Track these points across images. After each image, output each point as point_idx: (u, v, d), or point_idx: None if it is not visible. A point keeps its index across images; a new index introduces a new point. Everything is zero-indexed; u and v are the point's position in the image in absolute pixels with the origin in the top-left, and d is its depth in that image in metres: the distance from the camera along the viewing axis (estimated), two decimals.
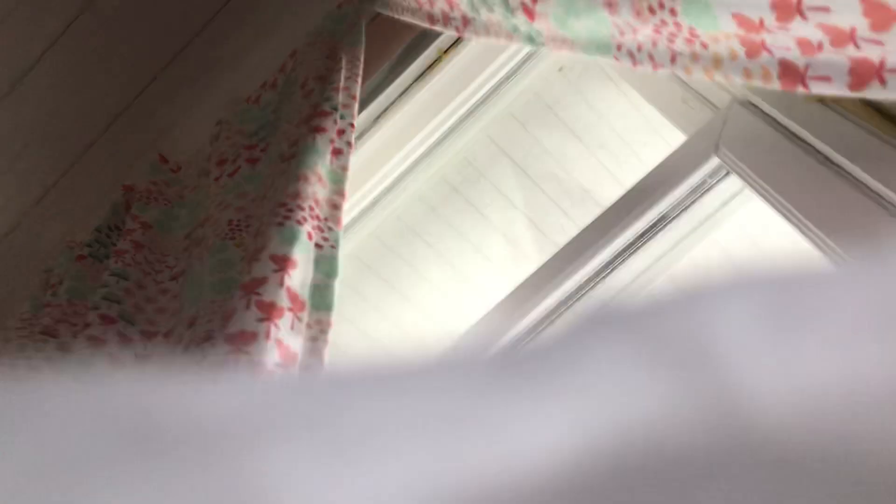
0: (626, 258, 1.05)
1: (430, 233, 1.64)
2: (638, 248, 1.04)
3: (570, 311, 1.08)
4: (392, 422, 0.17)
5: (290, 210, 0.80)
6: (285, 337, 0.70)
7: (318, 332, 0.76)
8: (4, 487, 0.14)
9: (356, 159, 0.98)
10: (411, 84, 1.27)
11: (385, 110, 1.29)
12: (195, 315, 0.85)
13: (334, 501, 0.15)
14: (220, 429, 0.16)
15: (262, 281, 0.72)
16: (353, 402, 0.18)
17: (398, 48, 1.25)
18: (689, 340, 0.18)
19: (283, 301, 0.71)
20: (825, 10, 0.42)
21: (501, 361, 0.19)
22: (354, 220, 1.47)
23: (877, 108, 0.67)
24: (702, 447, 0.16)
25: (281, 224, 0.78)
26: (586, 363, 0.18)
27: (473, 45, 1.25)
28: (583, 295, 1.08)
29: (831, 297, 0.18)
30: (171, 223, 1.14)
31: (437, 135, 1.37)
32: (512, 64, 1.34)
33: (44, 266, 1.29)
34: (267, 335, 0.68)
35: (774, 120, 0.79)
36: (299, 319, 0.73)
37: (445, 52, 1.25)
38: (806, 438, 0.16)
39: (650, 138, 1.57)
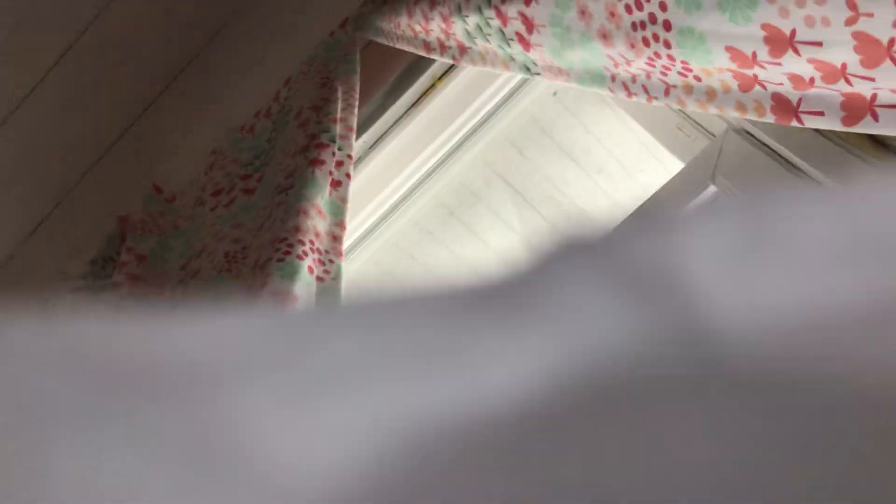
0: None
1: (427, 257, 1.63)
2: None
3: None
4: (362, 357, 0.17)
5: (291, 245, 0.80)
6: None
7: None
8: None
9: (353, 185, 0.98)
10: (406, 111, 1.27)
11: (380, 137, 1.29)
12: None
13: (304, 437, 0.15)
14: (189, 368, 0.16)
15: None
16: (324, 338, 0.18)
17: (392, 75, 1.25)
18: (658, 267, 0.18)
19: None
20: (818, 44, 0.42)
21: (472, 293, 0.19)
22: (352, 247, 1.47)
23: (872, 137, 0.67)
24: (671, 372, 0.16)
25: (281, 259, 0.78)
26: (556, 292, 0.19)
27: (468, 72, 1.26)
28: None
29: (798, 226, 0.19)
30: (166, 254, 1.14)
31: (433, 160, 1.37)
32: (507, 89, 1.34)
33: (38, 299, 1.29)
34: None
35: (770, 148, 0.79)
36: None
37: (440, 78, 1.26)
38: (773, 361, 0.16)
39: (647, 161, 1.57)
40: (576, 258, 0.20)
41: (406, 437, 0.16)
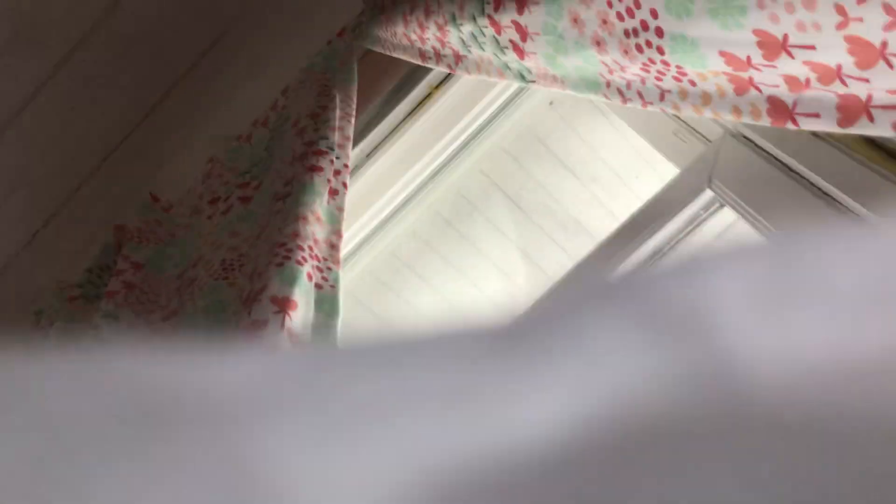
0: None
1: (424, 267, 1.63)
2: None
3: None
4: (392, 397, 0.17)
5: (290, 250, 0.79)
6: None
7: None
8: (3, 467, 0.14)
9: (349, 194, 0.98)
10: (403, 120, 1.28)
11: (377, 146, 1.29)
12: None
13: (334, 477, 0.15)
14: (221, 406, 0.16)
15: (262, 324, 0.71)
16: (355, 377, 0.18)
17: (389, 84, 1.26)
18: (685, 310, 0.18)
19: (285, 344, 0.71)
20: (811, 48, 0.43)
21: (501, 334, 0.19)
22: (348, 256, 1.47)
23: (868, 140, 0.67)
24: (697, 413, 0.16)
25: (280, 265, 0.77)
26: (585, 334, 0.18)
27: (464, 81, 1.26)
28: None
29: (826, 270, 0.19)
30: (163, 263, 1.14)
31: (429, 170, 1.38)
32: (503, 98, 1.35)
33: (34, 307, 1.28)
34: None
35: (767, 152, 0.79)
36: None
37: (436, 87, 1.26)
38: (797, 404, 0.16)
39: (642, 170, 1.58)
40: (602, 300, 0.20)
41: (431, 478, 0.16)
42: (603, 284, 0.21)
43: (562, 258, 1.64)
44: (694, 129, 0.97)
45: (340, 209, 0.93)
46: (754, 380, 0.17)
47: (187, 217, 1.23)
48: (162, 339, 0.86)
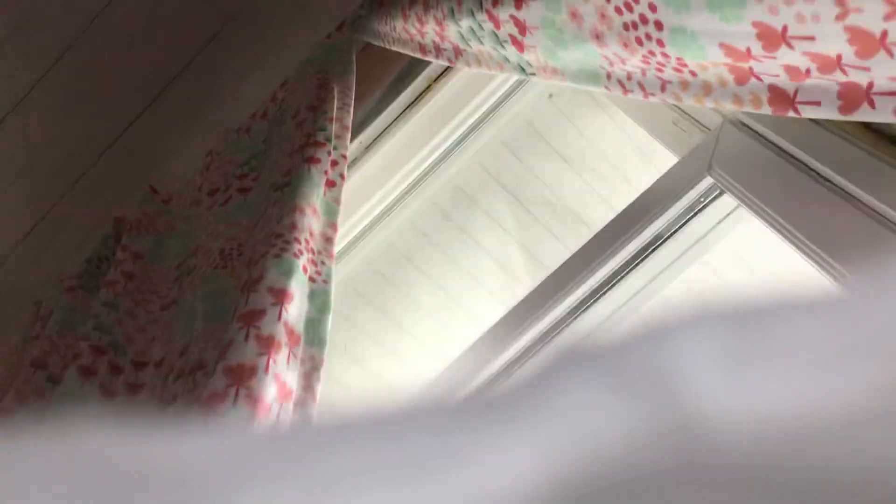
0: (621, 279, 1.05)
1: (422, 259, 1.64)
2: (632, 268, 1.04)
3: (553, 342, 1.09)
4: (364, 467, 0.17)
5: (287, 242, 0.80)
6: (283, 372, 0.70)
7: (310, 369, 0.76)
8: None
9: (348, 187, 0.99)
10: (402, 112, 1.28)
11: (376, 139, 1.29)
12: (187, 343, 0.84)
13: None
14: (191, 478, 0.17)
15: (260, 313, 0.71)
16: (326, 449, 0.18)
17: (388, 77, 1.26)
18: (653, 372, 0.19)
19: (281, 335, 0.71)
20: (811, 38, 0.43)
21: (471, 401, 0.20)
22: (346, 248, 1.47)
23: (867, 125, 0.67)
24: (665, 469, 0.17)
25: (278, 255, 0.78)
26: (554, 397, 0.19)
27: (463, 74, 1.26)
28: (577, 317, 1.08)
29: (791, 330, 0.19)
30: (162, 253, 1.14)
31: (428, 162, 1.38)
32: (502, 91, 1.35)
33: (33, 299, 1.28)
34: (266, 370, 0.67)
35: (766, 139, 0.79)
36: (294, 355, 0.73)
37: (435, 80, 1.26)
38: (762, 462, 0.17)
39: (640, 163, 1.58)
40: (574, 365, 0.20)
41: None
42: (574, 350, 0.21)
43: (560, 250, 1.64)
44: (693, 119, 0.97)
45: (337, 201, 0.94)
46: (720, 437, 0.17)
47: (186, 208, 1.23)
48: (133, 416, 0.86)
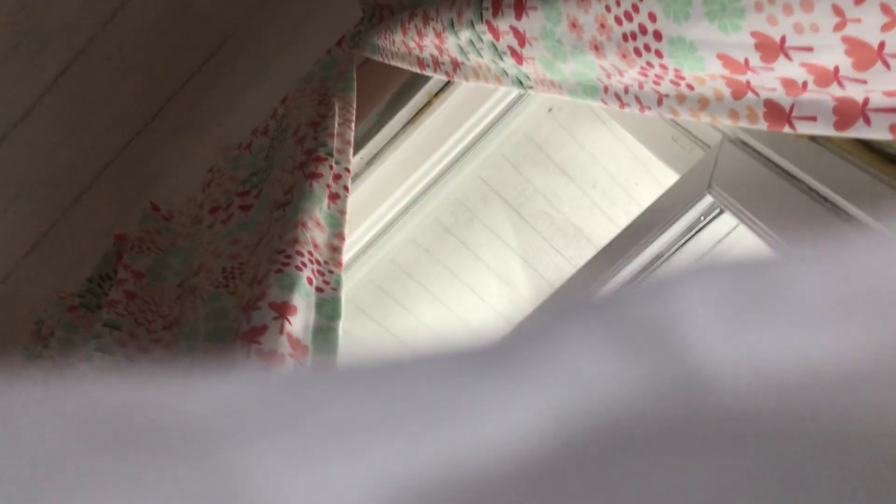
0: (619, 291, 1.04)
1: (424, 274, 1.64)
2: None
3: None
4: (368, 415, 0.17)
5: (289, 256, 0.80)
6: (284, 374, 0.69)
7: (320, 366, 0.75)
8: None
9: (350, 202, 0.99)
10: (403, 128, 1.28)
11: (377, 154, 1.29)
12: (189, 365, 0.84)
13: (311, 493, 0.16)
14: (197, 428, 0.17)
15: (261, 330, 0.71)
16: (331, 397, 0.18)
17: (388, 93, 1.26)
18: (654, 325, 0.19)
19: (284, 348, 0.71)
20: (808, 49, 0.43)
21: (475, 351, 0.20)
22: (348, 264, 1.47)
23: (866, 145, 0.67)
24: (665, 420, 0.17)
25: (280, 271, 0.78)
26: (557, 349, 0.19)
27: (463, 89, 1.27)
28: None
29: (789, 283, 0.19)
30: (163, 272, 1.14)
31: (429, 177, 1.38)
32: (502, 106, 1.35)
33: (35, 318, 1.28)
34: None
35: (765, 157, 0.79)
36: (302, 365, 0.73)
37: (436, 95, 1.27)
38: (763, 414, 0.17)
39: (641, 177, 1.58)
40: (577, 317, 0.20)
41: (410, 491, 0.16)
42: (576, 303, 0.21)
43: (561, 264, 1.64)
44: (693, 135, 0.97)
45: (342, 212, 0.94)
46: (719, 389, 0.17)
47: (188, 226, 1.23)
48: (142, 366, 0.86)
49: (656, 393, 0.18)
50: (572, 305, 0.21)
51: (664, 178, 1.03)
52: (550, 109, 1.51)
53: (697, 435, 0.16)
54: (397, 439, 0.17)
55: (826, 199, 0.70)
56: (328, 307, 0.80)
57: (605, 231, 1.62)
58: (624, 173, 1.59)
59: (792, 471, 0.15)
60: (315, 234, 0.86)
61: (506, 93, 1.31)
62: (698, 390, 0.17)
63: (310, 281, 0.79)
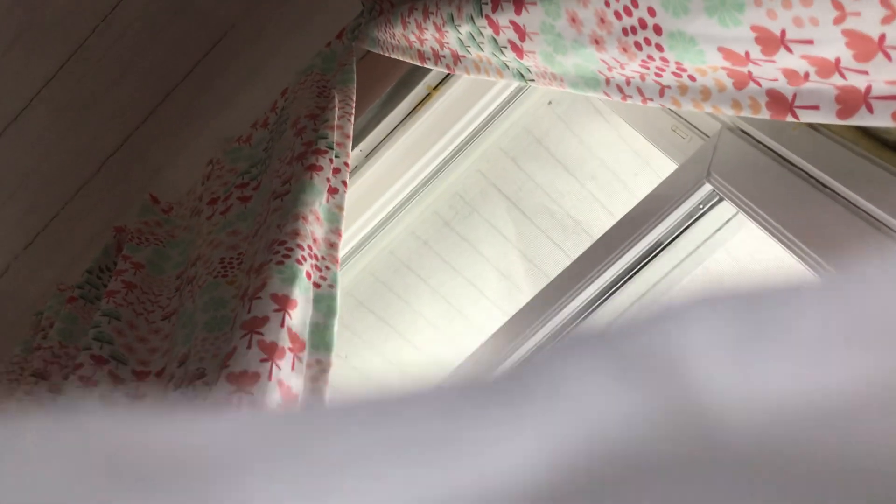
0: (621, 286, 1.05)
1: (423, 268, 1.64)
2: (632, 275, 1.04)
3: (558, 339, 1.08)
4: (371, 448, 0.17)
5: (290, 249, 0.80)
6: (286, 377, 0.70)
7: (318, 372, 0.76)
8: None
9: (348, 195, 0.99)
10: (402, 121, 1.28)
11: (377, 147, 1.29)
12: (186, 353, 0.84)
13: None
14: (202, 461, 0.17)
15: (263, 320, 0.71)
16: (334, 430, 0.18)
17: (388, 86, 1.26)
18: (657, 356, 0.19)
19: (285, 341, 0.71)
20: (809, 42, 0.43)
21: (477, 385, 0.20)
22: (347, 256, 1.47)
23: (864, 130, 0.68)
24: (669, 454, 0.17)
25: (281, 263, 0.78)
26: (559, 382, 0.19)
27: (462, 82, 1.27)
28: (578, 324, 1.08)
29: (795, 313, 0.19)
30: (162, 263, 1.14)
31: (428, 170, 1.38)
32: (501, 99, 1.35)
33: (34, 310, 1.28)
34: (269, 376, 0.67)
35: (764, 145, 0.80)
36: (300, 360, 0.73)
37: (435, 88, 1.27)
38: (766, 444, 0.17)
39: (640, 170, 1.58)
40: (579, 349, 0.20)
41: None
42: (578, 336, 0.22)
43: (560, 257, 1.64)
44: (692, 125, 0.97)
45: (340, 208, 0.94)
46: (723, 422, 0.17)
47: (187, 218, 1.23)
48: (143, 400, 0.86)
49: (659, 424, 0.18)
50: (574, 338, 0.21)
51: (663, 170, 1.03)
52: (550, 102, 1.51)
53: (701, 466, 0.16)
54: (398, 473, 0.17)
55: (825, 186, 0.70)
56: (324, 304, 0.81)
57: (604, 224, 1.62)
58: (623, 166, 1.59)
59: (797, 500, 0.15)
60: (314, 228, 0.86)
61: (505, 86, 1.31)
62: (702, 421, 0.17)
63: (308, 276, 0.80)
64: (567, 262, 1.08)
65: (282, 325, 0.72)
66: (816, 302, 0.19)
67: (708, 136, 0.94)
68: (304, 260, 0.80)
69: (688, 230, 0.99)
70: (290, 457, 0.17)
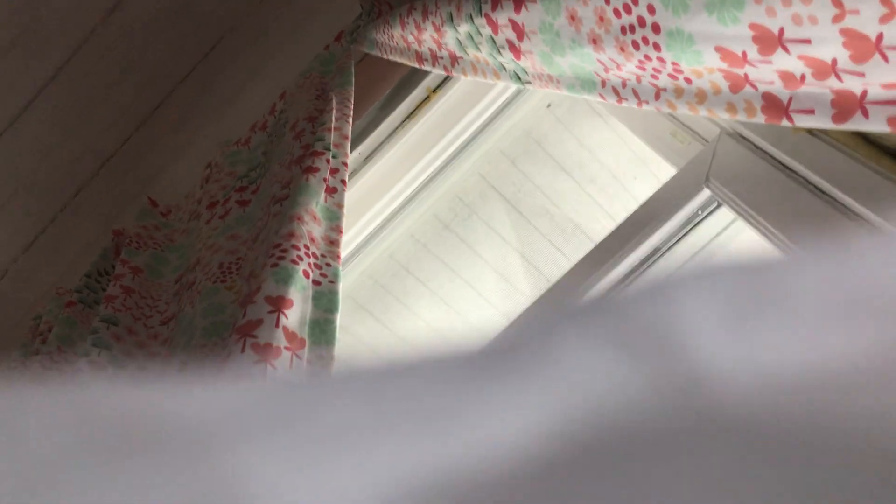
0: (619, 292, 1.05)
1: (422, 270, 1.63)
2: (631, 282, 1.03)
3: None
4: (365, 417, 0.18)
5: (285, 250, 0.80)
6: (283, 376, 0.69)
7: (320, 367, 0.76)
8: None
9: (347, 198, 0.98)
10: (401, 123, 1.28)
11: (375, 149, 1.29)
12: (186, 360, 0.84)
13: (309, 494, 0.16)
14: (197, 430, 0.17)
15: (256, 323, 0.71)
16: (328, 399, 0.18)
17: (387, 88, 1.26)
18: (656, 328, 0.19)
19: (280, 341, 0.71)
20: (806, 41, 0.43)
21: (474, 354, 0.20)
22: (346, 259, 1.47)
23: (864, 138, 0.67)
24: (667, 427, 0.17)
25: (275, 265, 0.78)
26: (558, 352, 0.19)
27: (462, 84, 1.26)
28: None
29: (791, 285, 0.19)
30: (161, 267, 1.14)
31: (427, 173, 1.38)
32: (500, 101, 1.35)
33: (33, 313, 1.28)
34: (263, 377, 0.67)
35: (763, 151, 0.79)
36: (299, 357, 0.73)
37: (434, 90, 1.26)
38: (766, 416, 0.17)
39: (640, 172, 1.58)
40: (575, 319, 0.20)
41: (408, 493, 0.16)
42: (575, 306, 0.21)
43: (560, 260, 1.64)
44: (691, 130, 0.97)
45: (339, 206, 0.93)
46: (721, 391, 0.17)
47: (186, 222, 1.23)
48: (143, 369, 0.86)
49: (658, 395, 0.18)
50: (572, 308, 0.21)
51: (662, 173, 1.03)
52: (549, 105, 1.51)
53: (699, 437, 0.16)
54: (395, 441, 0.17)
55: (824, 193, 0.70)
56: (325, 300, 0.80)
57: (604, 227, 1.62)
58: (622, 169, 1.58)
59: (795, 472, 0.15)
60: (311, 227, 0.86)
61: (504, 88, 1.31)
62: (700, 392, 0.17)
63: (306, 274, 0.79)
64: (566, 265, 1.08)
65: (276, 325, 0.72)
66: (814, 272, 0.19)
67: (707, 142, 0.94)
68: (301, 259, 0.80)
69: (687, 236, 0.99)
70: (286, 424, 0.17)
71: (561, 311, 0.21)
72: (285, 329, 0.72)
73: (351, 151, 1.23)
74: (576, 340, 0.19)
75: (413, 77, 1.24)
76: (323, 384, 0.20)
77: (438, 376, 0.19)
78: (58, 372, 0.97)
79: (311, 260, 0.82)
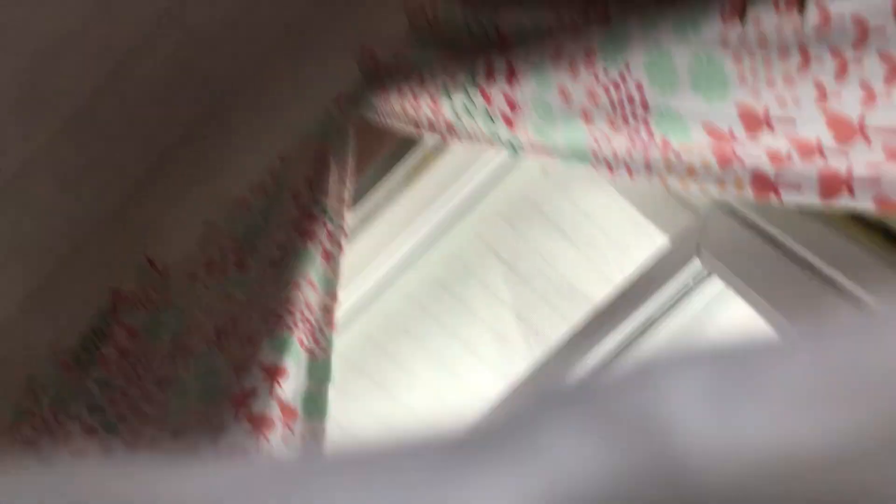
0: (613, 361, 1.04)
1: (418, 330, 1.63)
2: (623, 352, 1.03)
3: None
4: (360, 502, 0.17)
5: (281, 317, 0.80)
6: (278, 451, 0.69)
7: (311, 441, 0.75)
8: None
9: (345, 259, 0.99)
10: (398, 186, 1.29)
11: (373, 212, 1.30)
12: (180, 425, 0.83)
13: None
14: None
15: (250, 392, 0.71)
16: (319, 488, 0.18)
17: (385, 152, 1.27)
18: (637, 412, 0.19)
19: (274, 412, 0.70)
20: (791, 120, 0.44)
21: (457, 440, 0.20)
22: (342, 319, 1.46)
23: (854, 215, 0.68)
24: None
25: (271, 332, 0.77)
26: (540, 437, 0.19)
27: (459, 148, 1.28)
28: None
29: (772, 371, 0.19)
30: (157, 328, 1.13)
31: (424, 234, 1.38)
32: (497, 165, 1.37)
33: (27, 373, 1.27)
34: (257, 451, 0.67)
35: (754, 223, 0.80)
36: (292, 430, 0.72)
37: (432, 154, 1.28)
38: (747, 498, 0.17)
39: (635, 235, 1.59)
40: (558, 406, 0.20)
41: None
42: (558, 391, 0.22)
43: (557, 322, 1.64)
44: (682, 198, 0.98)
45: (336, 272, 0.94)
46: (703, 475, 0.17)
47: (183, 282, 1.23)
48: (136, 453, 0.85)
49: (639, 479, 0.18)
50: (557, 392, 0.21)
51: (658, 236, 1.04)
52: (545, 169, 1.53)
53: None
54: None
55: (813, 267, 0.70)
56: (319, 370, 0.80)
57: (600, 288, 1.62)
58: (618, 231, 1.59)
59: None
60: (308, 294, 0.86)
61: (500, 153, 1.33)
62: (682, 476, 0.17)
63: (301, 342, 0.79)
64: (563, 326, 1.08)
65: (271, 395, 0.71)
66: (797, 356, 0.20)
67: (698, 209, 0.95)
68: (297, 326, 0.79)
69: (678, 304, 0.99)
70: None
71: (546, 395, 0.21)
72: (280, 400, 0.71)
73: (349, 214, 1.24)
74: (556, 426, 0.19)
75: (411, 141, 1.26)
76: (313, 468, 0.20)
77: (421, 465, 0.19)
78: (49, 436, 0.96)
79: (307, 327, 0.82)
